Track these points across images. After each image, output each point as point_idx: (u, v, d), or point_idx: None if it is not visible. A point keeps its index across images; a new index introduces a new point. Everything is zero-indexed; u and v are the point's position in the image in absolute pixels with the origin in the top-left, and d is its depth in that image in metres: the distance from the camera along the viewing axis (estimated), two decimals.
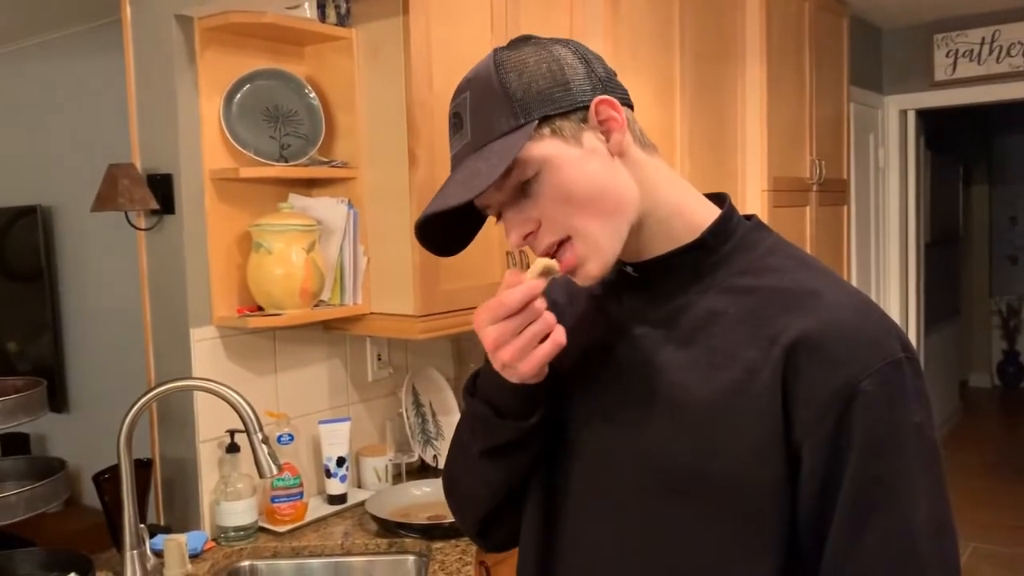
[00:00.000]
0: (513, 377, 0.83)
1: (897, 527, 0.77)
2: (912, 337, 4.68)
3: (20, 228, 3.36)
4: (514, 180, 0.84)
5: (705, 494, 0.82)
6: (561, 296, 1.03)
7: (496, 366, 0.83)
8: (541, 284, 0.80)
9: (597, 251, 0.85)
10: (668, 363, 0.86)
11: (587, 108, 0.85)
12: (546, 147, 0.83)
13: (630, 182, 0.87)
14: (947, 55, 4.27)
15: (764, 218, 3.08)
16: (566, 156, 0.84)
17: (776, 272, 0.86)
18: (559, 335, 0.81)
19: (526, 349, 0.80)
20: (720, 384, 0.82)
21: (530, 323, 0.80)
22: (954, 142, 6.44)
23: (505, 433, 0.89)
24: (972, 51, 4.20)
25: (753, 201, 3.01)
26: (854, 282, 3.98)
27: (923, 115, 4.67)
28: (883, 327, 0.82)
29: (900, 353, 0.80)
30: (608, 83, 0.88)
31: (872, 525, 0.78)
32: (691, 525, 0.83)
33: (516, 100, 0.83)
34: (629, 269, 0.91)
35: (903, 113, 4.52)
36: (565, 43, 0.88)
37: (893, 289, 4.55)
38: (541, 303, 0.80)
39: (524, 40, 0.89)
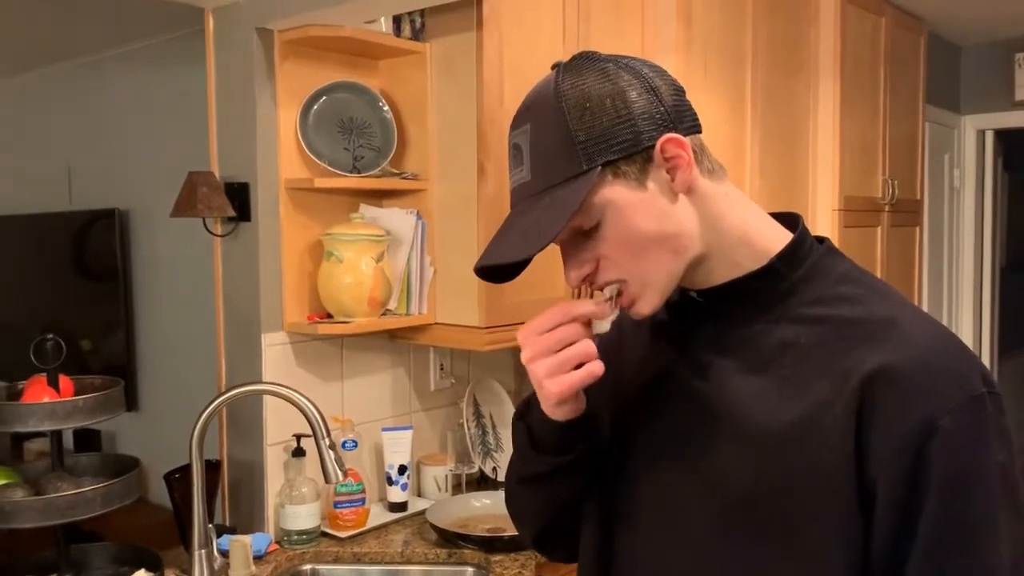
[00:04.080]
0: (547, 403, 0.85)
1: (977, 569, 0.75)
2: (986, 364, 4.52)
3: (98, 230, 3.48)
4: (575, 224, 0.82)
5: (769, 527, 0.81)
6: (623, 324, 1.02)
7: (534, 384, 0.85)
8: (587, 309, 0.81)
9: (651, 292, 0.84)
10: (735, 392, 0.84)
11: (653, 147, 0.81)
12: (609, 193, 0.81)
13: (693, 219, 0.84)
14: None
15: (834, 238, 3.03)
16: (629, 201, 0.81)
17: (850, 302, 0.84)
18: (595, 366, 0.82)
19: (559, 369, 0.82)
20: (789, 416, 0.80)
21: (568, 345, 0.81)
22: None
23: (540, 465, 0.91)
24: None
25: (823, 220, 2.95)
26: (925, 306, 3.87)
27: (1001, 135, 4.53)
28: (964, 360, 0.79)
29: (982, 388, 0.77)
30: (676, 112, 0.83)
31: (951, 567, 0.75)
32: (753, 557, 0.81)
33: (579, 143, 0.79)
34: (694, 295, 0.89)
35: (981, 133, 4.39)
36: (631, 67, 0.83)
37: (966, 314, 4.41)
38: (583, 329, 0.82)
39: (588, 60, 0.84)
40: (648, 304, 0.86)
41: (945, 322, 4.23)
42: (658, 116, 0.81)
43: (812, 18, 2.90)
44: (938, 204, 4.16)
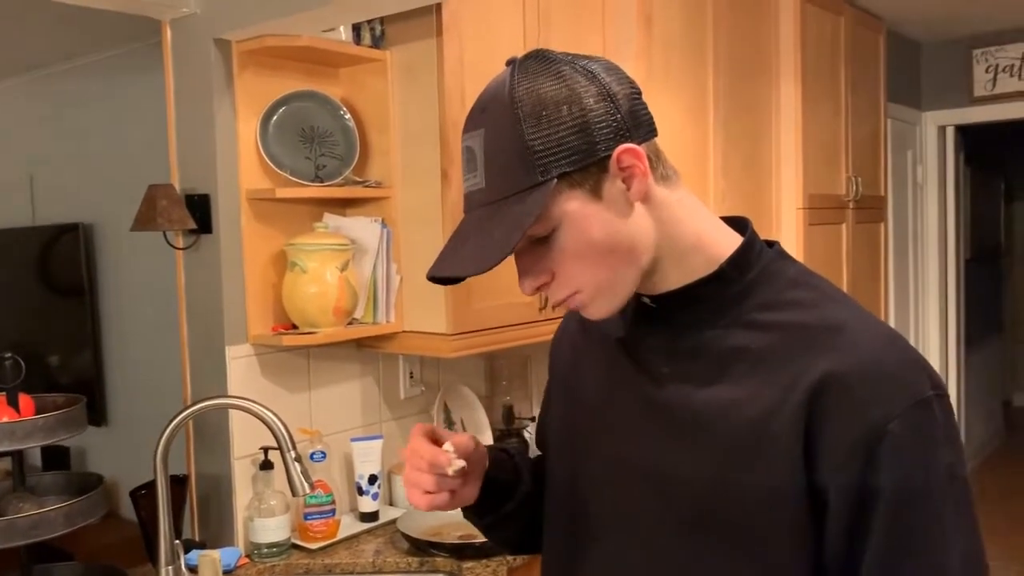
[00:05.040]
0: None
1: (929, 571, 0.76)
2: (952, 356, 4.59)
3: (63, 245, 3.44)
4: (529, 234, 0.81)
5: (723, 532, 0.82)
6: (575, 324, 1.03)
7: None
8: (437, 460, 0.90)
9: (605, 299, 0.85)
10: (688, 400, 0.85)
11: (609, 157, 0.80)
12: (564, 204, 0.80)
13: (648, 228, 0.84)
14: (987, 70, 4.21)
15: (799, 236, 3.06)
16: (584, 212, 0.80)
17: (799, 307, 0.84)
18: (426, 500, 0.91)
19: (417, 483, 0.92)
20: (740, 423, 0.81)
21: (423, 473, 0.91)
22: (995, 157, 6.33)
23: (475, 522, 1.05)
24: (1013, 66, 4.13)
25: (788, 219, 2.98)
26: (892, 300, 3.92)
27: (963, 131, 4.61)
28: (911, 364, 0.80)
29: (929, 391, 0.78)
30: (632, 119, 0.82)
31: (904, 569, 0.76)
32: (710, 561, 0.82)
33: (534, 153, 0.78)
34: (647, 300, 0.89)
35: (942, 129, 4.46)
36: (587, 71, 0.81)
37: (932, 306, 4.47)
38: (428, 469, 0.91)
39: (543, 61, 0.82)
40: (601, 310, 0.86)
41: (912, 315, 4.30)
42: (614, 124, 0.80)
43: (772, 18, 2.93)
44: (902, 200, 4.21)
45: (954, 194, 4.55)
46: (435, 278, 0.85)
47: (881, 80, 3.59)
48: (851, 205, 3.31)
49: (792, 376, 0.80)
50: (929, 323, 4.47)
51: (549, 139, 0.78)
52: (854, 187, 3.31)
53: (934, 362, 4.44)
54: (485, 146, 0.81)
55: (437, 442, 0.93)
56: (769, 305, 0.85)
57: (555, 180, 0.79)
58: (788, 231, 2.98)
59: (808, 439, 0.78)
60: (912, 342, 4.33)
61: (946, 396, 0.80)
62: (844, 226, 3.28)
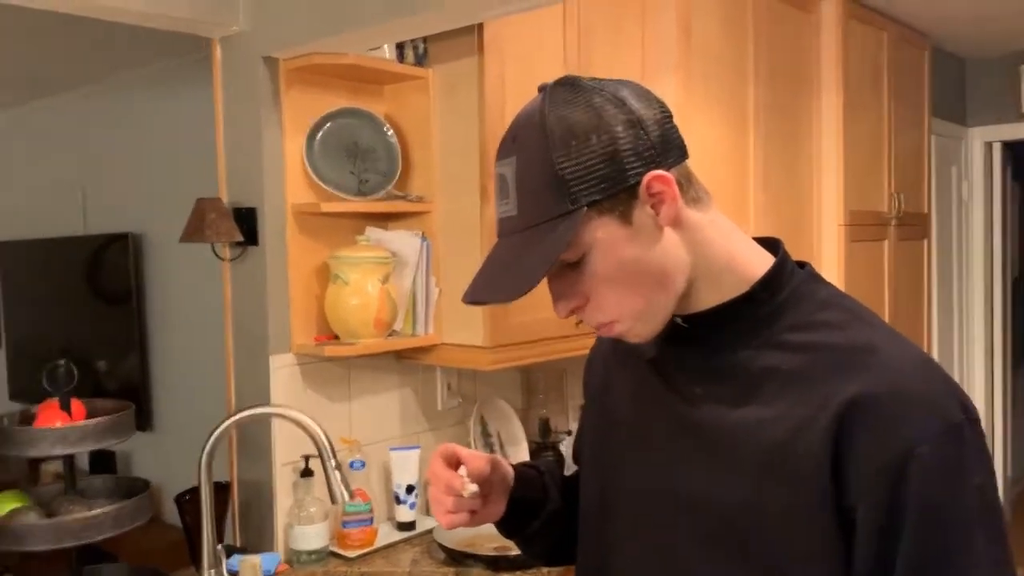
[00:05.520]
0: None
1: None
2: (999, 378, 4.50)
3: (112, 253, 3.53)
4: (561, 260, 0.83)
5: (750, 552, 0.82)
6: (608, 343, 1.05)
7: None
8: (454, 484, 0.94)
9: (645, 324, 0.87)
10: (719, 420, 0.86)
11: (638, 184, 0.82)
12: (594, 231, 0.81)
13: (680, 250, 0.85)
14: None
15: (840, 253, 3.04)
16: (614, 238, 0.82)
17: (830, 328, 0.85)
18: (447, 519, 0.95)
19: (438, 503, 0.96)
20: (770, 443, 0.82)
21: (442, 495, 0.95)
22: None
23: (507, 536, 1.08)
24: None
25: (829, 235, 2.96)
26: (935, 319, 3.86)
27: (1009, 146, 4.53)
28: (942, 387, 0.80)
29: (960, 416, 0.78)
30: (662, 144, 0.83)
31: None
32: None
33: (564, 182, 0.80)
34: (678, 320, 0.90)
35: (988, 145, 4.39)
36: (617, 98, 0.82)
37: (977, 326, 4.39)
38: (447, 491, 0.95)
39: (573, 89, 0.83)
40: (640, 335, 0.88)
41: (956, 335, 4.23)
42: (644, 151, 0.81)
43: (813, 33, 2.92)
44: (946, 217, 4.15)
45: (1000, 211, 4.47)
46: (469, 302, 0.88)
47: (925, 95, 3.55)
48: (893, 222, 3.27)
49: (822, 397, 0.80)
50: (974, 344, 4.39)
51: (578, 168, 0.80)
52: (896, 203, 3.27)
53: (979, 384, 4.36)
54: (517, 174, 0.83)
55: (458, 463, 0.96)
56: (800, 326, 0.86)
57: (585, 208, 0.81)
58: (829, 247, 2.96)
59: (836, 460, 0.78)
60: (956, 363, 4.25)
61: (977, 422, 0.80)
62: (886, 243, 3.24)
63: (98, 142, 3.68)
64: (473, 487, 0.93)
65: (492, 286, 0.84)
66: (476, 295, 0.85)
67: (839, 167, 2.94)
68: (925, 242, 3.59)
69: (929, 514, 0.76)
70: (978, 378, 4.37)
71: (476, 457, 0.97)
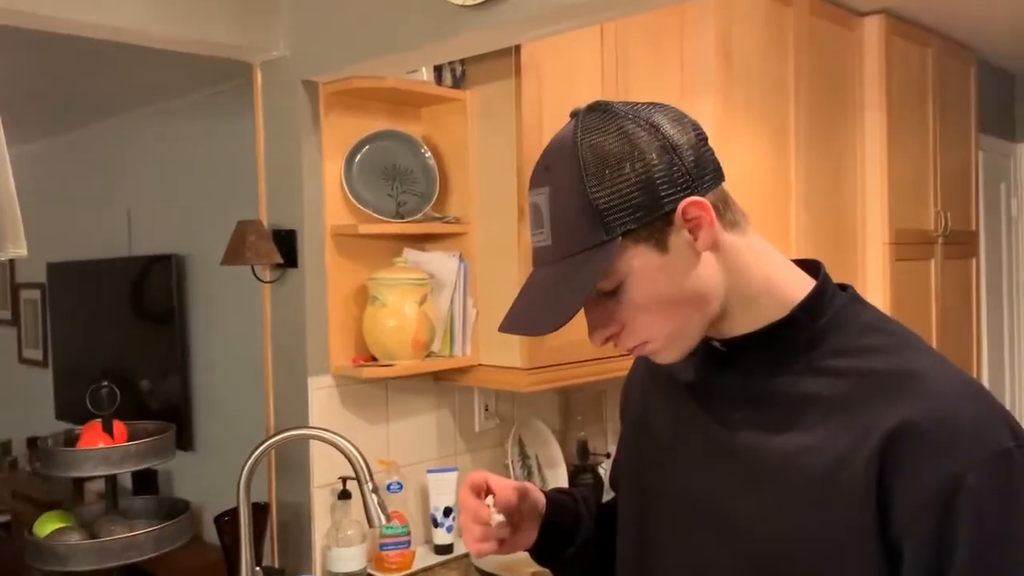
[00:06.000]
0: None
1: None
2: (1014, 416, 4.36)
3: (155, 274, 3.59)
4: (597, 288, 0.82)
5: None
6: (645, 367, 1.04)
7: None
8: (481, 514, 0.94)
9: (675, 347, 0.86)
10: (759, 447, 0.84)
11: (674, 211, 0.80)
12: (630, 258, 0.80)
13: (717, 276, 0.84)
14: None
15: (886, 272, 2.97)
16: (650, 265, 0.81)
17: (873, 353, 0.82)
18: (475, 548, 0.95)
19: (467, 531, 0.96)
20: (812, 472, 0.80)
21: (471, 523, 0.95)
22: None
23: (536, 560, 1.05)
24: None
25: (874, 254, 2.90)
26: (984, 340, 3.76)
27: None
28: (990, 413, 0.77)
29: (1009, 442, 0.75)
30: (697, 169, 0.81)
31: None
32: None
33: (598, 212, 0.79)
34: (717, 344, 0.89)
35: None
36: (650, 124, 0.81)
37: None
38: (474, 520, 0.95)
39: (605, 115, 0.82)
40: (671, 356, 0.87)
41: (1007, 356, 4.11)
42: (678, 178, 0.80)
43: (855, 51, 2.88)
44: (995, 235, 4.05)
45: None
46: (507, 332, 0.87)
47: (972, 111, 3.48)
48: (940, 240, 3.20)
49: (866, 424, 0.78)
50: None
51: (613, 197, 0.79)
52: (943, 221, 3.20)
53: None
54: (551, 204, 0.82)
55: (488, 490, 0.96)
56: (842, 351, 0.84)
57: (620, 238, 0.80)
58: (874, 266, 2.90)
59: (881, 490, 0.76)
60: (1008, 388, 4.14)
61: None
62: (932, 262, 3.17)
63: (144, 166, 3.76)
64: (500, 517, 0.93)
65: (529, 317, 0.83)
66: (514, 326, 0.84)
67: (883, 185, 2.88)
68: (973, 260, 3.50)
69: (981, 547, 0.73)
70: None
71: (505, 487, 0.96)
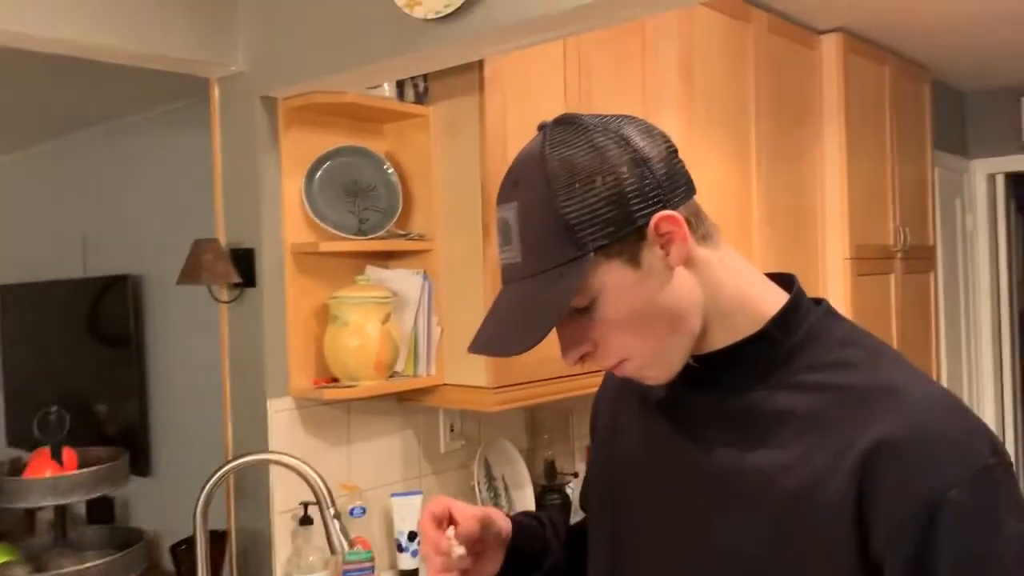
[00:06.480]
0: None
1: None
2: (1009, 412, 4.43)
3: (111, 296, 3.50)
4: (570, 307, 0.80)
5: None
6: (614, 384, 1.02)
7: None
8: (441, 547, 0.92)
9: (660, 366, 0.84)
10: (734, 464, 0.82)
11: (646, 226, 0.78)
12: (603, 275, 0.78)
13: (692, 290, 0.82)
14: None
15: (847, 287, 3.00)
16: (623, 281, 0.79)
17: (848, 367, 0.81)
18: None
19: (428, 562, 0.93)
20: (790, 489, 0.78)
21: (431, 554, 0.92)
22: None
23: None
24: None
25: (835, 269, 2.93)
26: (943, 353, 3.81)
27: (1012, 179, 4.51)
28: (971, 428, 0.76)
29: (990, 458, 0.74)
30: (669, 183, 0.79)
31: None
32: None
33: (571, 227, 0.77)
34: (690, 360, 0.86)
35: (991, 177, 4.37)
36: (619, 137, 0.79)
37: (985, 359, 4.34)
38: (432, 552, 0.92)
39: (574, 128, 0.80)
40: (658, 376, 0.85)
41: (965, 368, 4.17)
42: (650, 191, 0.78)
43: (815, 68, 2.91)
44: (951, 249, 4.12)
45: (1006, 243, 4.44)
46: (478, 352, 0.84)
47: (927, 128, 3.54)
48: (899, 255, 3.24)
49: (843, 441, 0.76)
50: (984, 378, 4.33)
51: (583, 212, 0.77)
52: (902, 237, 3.25)
53: (989, 418, 4.29)
54: (519, 220, 0.79)
55: (451, 518, 0.93)
56: (817, 366, 0.82)
57: (592, 254, 0.77)
58: (835, 282, 2.92)
59: (861, 509, 0.74)
60: (966, 397, 4.20)
61: (1010, 465, 0.76)
62: (892, 277, 3.21)
63: (99, 184, 3.67)
64: (460, 550, 0.90)
65: (501, 337, 0.80)
66: (485, 346, 0.81)
67: (843, 201, 2.92)
68: (931, 275, 3.56)
69: (963, 564, 0.71)
70: (988, 412, 4.31)
71: (467, 517, 0.93)
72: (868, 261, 3.03)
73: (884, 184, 3.18)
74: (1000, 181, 4.40)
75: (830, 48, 2.92)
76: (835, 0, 2.72)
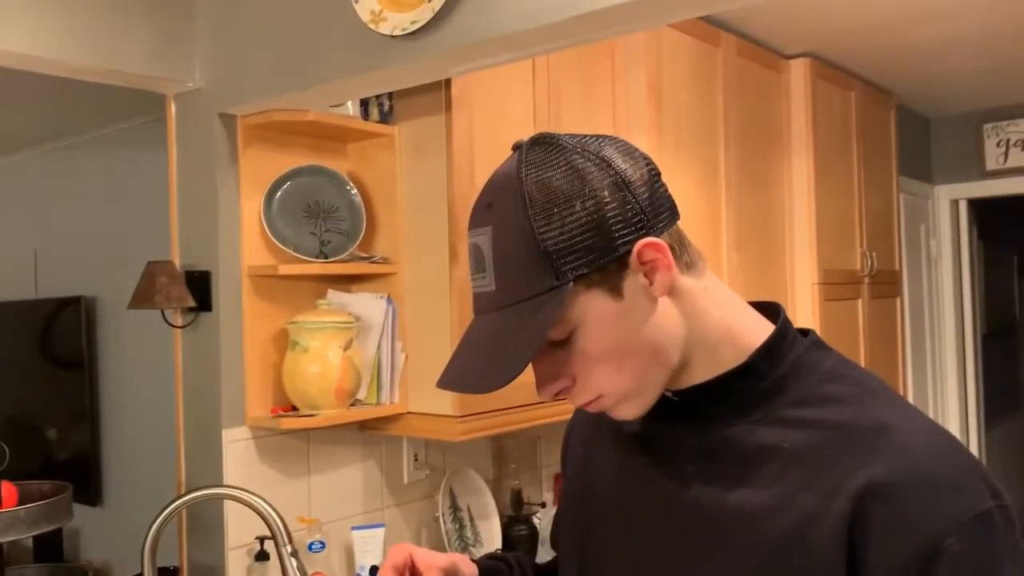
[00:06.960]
0: None
1: None
2: (973, 432, 4.46)
3: (64, 317, 3.39)
4: (546, 340, 0.74)
5: None
6: (585, 417, 0.96)
7: None
8: None
9: (635, 401, 0.78)
10: (711, 502, 0.77)
11: (629, 253, 0.73)
12: (582, 305, 0.73)
13: (675, 321, 0.77)
14: (998, 144, 4.19)
15: (815, 312, 2.98)
16: (604, 312, 0.74)
17: (837, 403, 0.76)
18: None
19: None
20: (776, 530, 0.73)
21: None
22: (1008, 232, 6.29)
23: None
24: None
25: (803, 294, 2.91)
26: (910, 376, 3.82)
27: (975, 205, 4.57)
28: (967, 469, 0.72)
29: (989, 502, 0.70)
30: (652, 208, 0.75)
31: None
32: None
33: (549, 255, 0.71)
34: (669, 394, 0.82)
35: (955, 203, 4.42)
36: (600, 158, 0.74)
37: (951, 382, 4.37)
38: None
39: (552, 149, 0.75)
40: (629, 413, 0.80)
41: (930, 390, 4.19)
42: (632, 217, 0.73)
43: (783, 94, 2.91)
44: (917, 274, 4.15)
45: (969, 268, 4.49)
46: (449, 388, 0.78)
47: (893, 154, 3.56)
48: (866, 280, 3.24)
49: (832, 481, 0.72)
50: (949, 402, 4.36)
51: (562, 238, 0.71)
52: (869, 262, 3.25)
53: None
54: (494, 246, 0.74)
55: (414, 567, 0.89)
56: (803, 401, 0.78)
57: (571, 283, 0.72)
58: (803, 307, 2.91)
59: (852, 555, 0.70)
60: (932, 417, 4.24)
61: (1008, 506, 0.72)
62: (860, 301, 3.21)
63: (52, 203, 3.56)
64: None
65: (474, 372, 0.75)
66: (456, 382, 0.76)
67: (811, 226, 2.91)
68: (898, 300, 3.57)
69: None
70: (954, 433, 4.33)
71: (430, 567, 0.88)
72: (836, 286, 3.02)
73: (851, 209, 3.19)
74: (963, 207, 4.45)
75: (798, 72, 2.93)
76: (801, 24, 2.73)
